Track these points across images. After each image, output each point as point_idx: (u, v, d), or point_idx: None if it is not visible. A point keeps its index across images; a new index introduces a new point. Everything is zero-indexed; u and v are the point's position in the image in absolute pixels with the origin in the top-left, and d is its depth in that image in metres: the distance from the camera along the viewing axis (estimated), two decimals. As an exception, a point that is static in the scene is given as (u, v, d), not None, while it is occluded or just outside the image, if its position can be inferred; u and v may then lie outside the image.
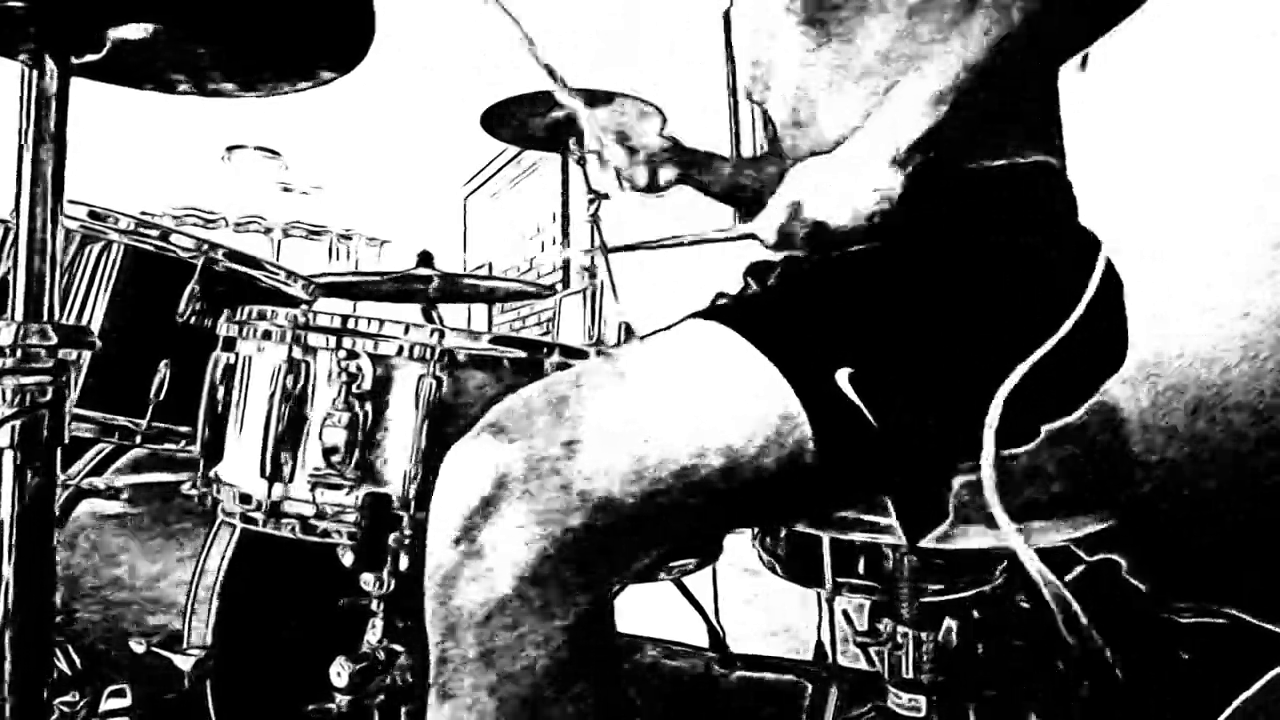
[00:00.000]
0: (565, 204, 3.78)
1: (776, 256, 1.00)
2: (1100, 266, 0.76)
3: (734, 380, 0.70)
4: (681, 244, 0.91)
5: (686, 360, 0.73)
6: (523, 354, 1.01)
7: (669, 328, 0.77)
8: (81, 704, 1.20)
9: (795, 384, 0.69)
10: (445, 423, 0.96)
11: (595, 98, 2.03)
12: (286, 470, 0.98)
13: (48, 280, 0.84)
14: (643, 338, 0.78)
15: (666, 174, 1.14)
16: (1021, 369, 0.70)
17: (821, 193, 0.77)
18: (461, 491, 0.65)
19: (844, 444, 0.70)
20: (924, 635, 1.07)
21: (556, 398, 0.69)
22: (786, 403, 0.69)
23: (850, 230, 0.77)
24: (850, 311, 0.77)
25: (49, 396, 0.83)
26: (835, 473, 0.71)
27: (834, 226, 0.77)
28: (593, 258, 2.18)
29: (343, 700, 1.03)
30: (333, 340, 0.98)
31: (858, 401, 0.69)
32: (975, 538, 0.80)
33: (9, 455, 0.82)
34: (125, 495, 1.43)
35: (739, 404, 0.69)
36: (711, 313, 0.75)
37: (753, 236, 0.82)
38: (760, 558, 1.29)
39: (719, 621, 2.05)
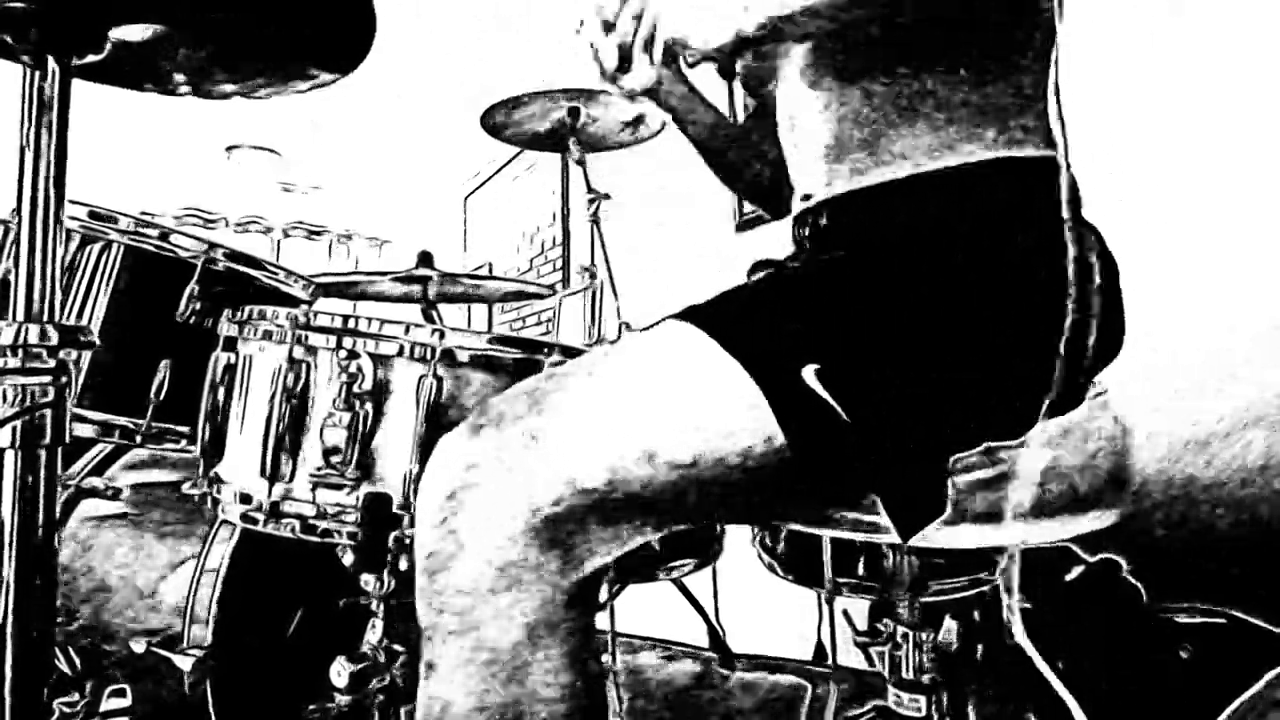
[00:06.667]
0: (565, 204, 3.78)
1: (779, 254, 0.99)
2: (1072, 257, 0.75)
3: (699, 378, 0.73)
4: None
5: (654, 359, 0.76)
6: (523, 354, 1.01)
7: (646, 329, 0.80)
8: (81, 704, 1.20)
9: (761, 381, 0.71)
10: (445, 423, 0.96)
11: (596, 97, 2.03)
12: (287, 470, 0.98)
13: (49, 280, 0.84)
14: (618, 339, 0.80)
15: (641, 71, 0.92)
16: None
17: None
18: (439, 480, 0.71)
19: (815, 440, 0.72)
20: (924, 635, 1.08)
21: (531, 394, 0.74)
22: (752, 401, 0.71)
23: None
24: (822, 310, 0.78)
25: (49, 396, 0.83)
26: (810, 469, 0.73)
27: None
28: (593, 258, 2.18)
29: (343, 700, 1.03)
30: (333, 340, 0.98)
31: (826, 396, 0.71)
32: (971, 536, 0.80)
33: (9, 455, 0.82)
34: (125, 495, 1.43)
35: (704, 401, 0.72)
36: (684, 313, 0.78)
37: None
38: (760, 558, 1.29)
39: (719, 621, 2.05)
